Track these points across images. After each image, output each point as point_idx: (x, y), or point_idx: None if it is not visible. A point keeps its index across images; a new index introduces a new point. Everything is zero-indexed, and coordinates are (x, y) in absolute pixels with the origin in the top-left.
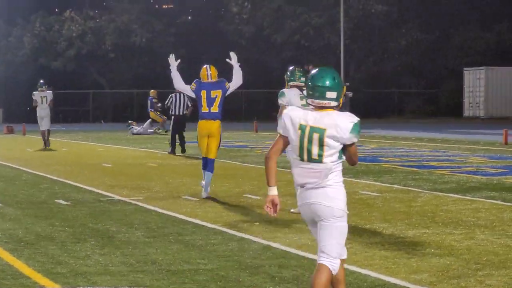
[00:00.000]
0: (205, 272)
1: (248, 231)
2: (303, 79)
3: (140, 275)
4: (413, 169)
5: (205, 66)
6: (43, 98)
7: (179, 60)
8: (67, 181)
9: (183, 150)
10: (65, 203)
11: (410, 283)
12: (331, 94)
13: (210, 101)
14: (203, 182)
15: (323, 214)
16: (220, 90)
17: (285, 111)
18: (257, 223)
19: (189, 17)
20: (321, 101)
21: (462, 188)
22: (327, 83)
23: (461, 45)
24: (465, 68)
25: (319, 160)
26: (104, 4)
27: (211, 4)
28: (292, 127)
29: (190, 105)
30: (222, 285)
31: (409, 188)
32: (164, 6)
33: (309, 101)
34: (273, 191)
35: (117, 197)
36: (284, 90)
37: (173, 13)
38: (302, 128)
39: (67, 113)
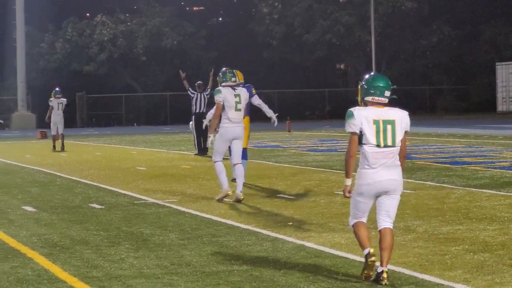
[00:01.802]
0: (239, 273)
1: (281, 231)
2: (234, 79)
3: (175, 277)
4: (446, 166)
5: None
6: (59, 104)
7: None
8: (101, 185)
9: (205, 151)
10: (99, 207)
11: (444, 280)
12: (387, 93)
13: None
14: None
15: (396, 187)
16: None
17: (355, 112)
18: (290, 223)
19: (220, 19)
20: (380, 98)
21: (496, 183)
22: (385, 84)
23: (492, 40)
24: (497, 63)
25: (393, 144)
26: (135, 7)
27: (241, 5)
28: (367, 123)
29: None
30: (256, 285)
31: (443, 185)
32: (194, 8)
33: (369, 98)
34: (349, 182)
35: (151, 200)
36: (220, 88)
37: (203, 15)
38: (376, 122)
39: (100, 117)
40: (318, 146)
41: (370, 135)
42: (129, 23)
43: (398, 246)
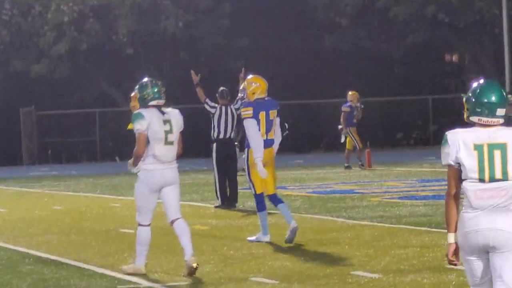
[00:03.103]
0: None
1: None
2: (162, 96)
3: None
4: None
5: (257, 76)
6: None
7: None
8: (63, 260)
9: (233, 201)
10: None
11: None
12: (501, 111)
13: (269, 125)
14: (260, 236)
15: (506, 241)
16: (276, 110)
17: (449, 136)
18: None
19: None
20: (490, 119)
21: None
22: (498, 98)
23: None
24: None
25: (504, 177)
26: None
27: None
28: (466, 150)
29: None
30: None
31: None
32: None
33: (475, 118)
34: (452, 239)
35: (146, 284)
36: (142, 110)
37: None
38: (477, 148)
39: (59, 147)
40: (417, 191)
41: (470, 166)
42: None
43: None
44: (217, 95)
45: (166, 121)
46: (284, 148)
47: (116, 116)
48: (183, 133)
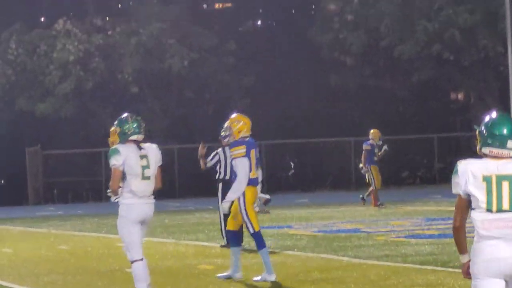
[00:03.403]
0: None
1: None
2: (140, 131)
3: None
4: None
5: (241, 114)
6: None
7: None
8: None
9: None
10: None
11: None
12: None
13: (256, 164)
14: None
15: None
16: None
17: (459, 167)
18: None
19: (258, 22)
20: (501, 151)
21: None
22: (508, 131)
23: None
24: None
25: (511, 208)
26: (120, 6)
27: (294, 2)
28: (475, 181)
29: None
30: None
31: None
32: (217, 6)
33: (487, 150)
34: (467, 258)
35: None
36: (119, 146)
37: (232, 17)
38: (486, 179)
39: (65, 186)
40: (423, 229)
41: (478, 197)
42: (110, 32)
43: None
44: (220, 137)
45: (143, 156)
46: (289, 186)
47: None
48: (187, 172)
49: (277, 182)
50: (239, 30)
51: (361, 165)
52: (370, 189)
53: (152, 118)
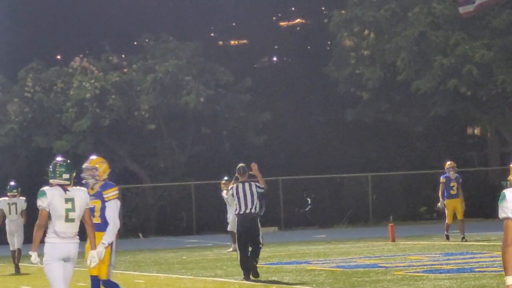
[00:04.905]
0: None
1: None
2: (66, 176)
3: None
4: None
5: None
6: (11, 205)
7: None
8: None
9: (255, 275)
10: None
11: None
12: None
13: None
14: None
15: None
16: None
17: (507, 194)
18: None
19: (274, 58)
20: None
21: None
22: None
23: None
24: None
25: None
26: (135, 43)
27: (307, 35)
28: None
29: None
30: None
31: None
32: (233, 43)
33: None
34: (511, 280)
35: None
36: (46, 189)
37: (247, 53)
38: None
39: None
40: (442, 264)
41: None
42: (126, 70)
43: None
44: (236, 173)
45: (68, 200)
46: (307, 222)
47: (140, 192)
48: (204, 208)
49: (295, 218)
50: (255, 67)
51: (439, 203)
52: (446, 222)
53: (169, 154)
